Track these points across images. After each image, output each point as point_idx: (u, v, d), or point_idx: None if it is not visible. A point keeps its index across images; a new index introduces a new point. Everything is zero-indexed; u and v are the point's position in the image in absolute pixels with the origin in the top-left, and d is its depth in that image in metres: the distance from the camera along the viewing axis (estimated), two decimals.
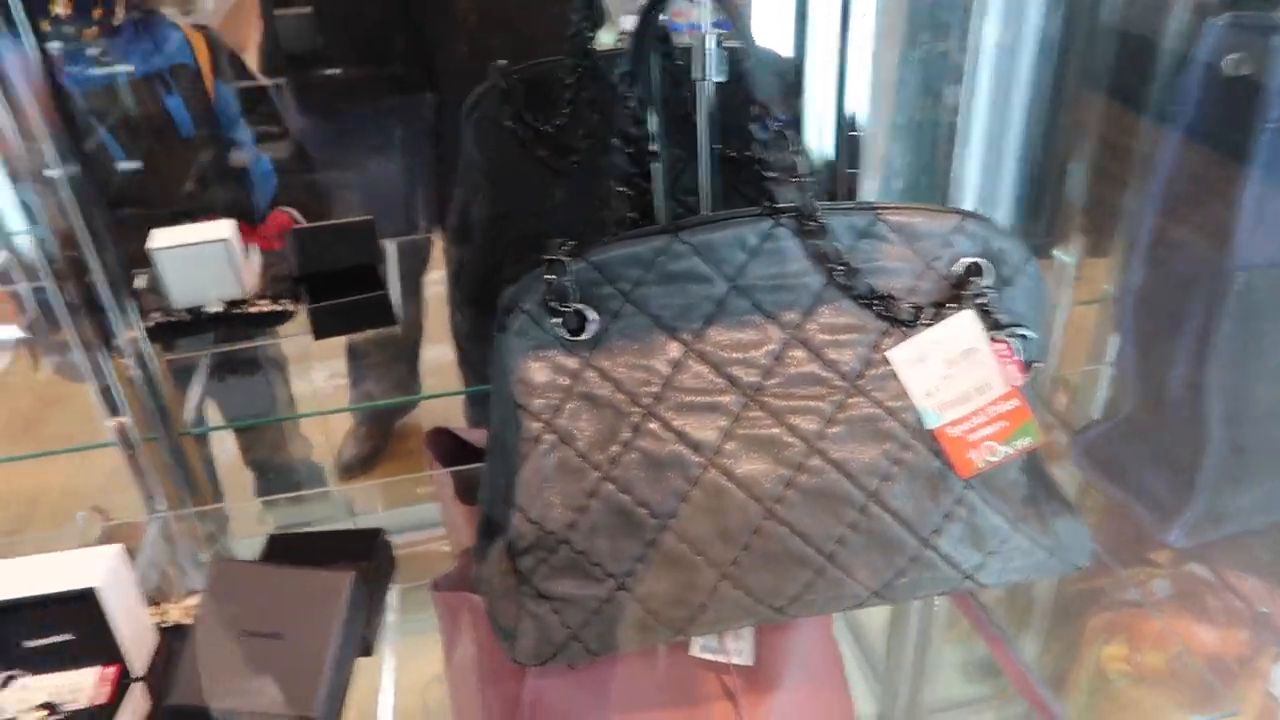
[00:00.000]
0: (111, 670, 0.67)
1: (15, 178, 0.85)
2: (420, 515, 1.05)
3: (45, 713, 0.63)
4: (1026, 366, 0.58)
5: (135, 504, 0.91)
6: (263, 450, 1.52)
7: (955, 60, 0.86)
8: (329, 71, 1.35)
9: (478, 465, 1.15)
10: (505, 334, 0.66)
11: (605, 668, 0.90)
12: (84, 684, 0.66)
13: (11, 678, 0.66)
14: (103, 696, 0.65)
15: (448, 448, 1.16)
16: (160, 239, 0.99)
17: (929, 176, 0.94)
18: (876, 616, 1.12)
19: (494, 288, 0.97)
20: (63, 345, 0.90)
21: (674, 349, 0.58)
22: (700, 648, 0.92)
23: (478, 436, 1.17)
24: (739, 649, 0.75)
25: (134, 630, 0.68)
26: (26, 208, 0.85)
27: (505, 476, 0.69)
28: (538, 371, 0.63)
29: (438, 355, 1.51)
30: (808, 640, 0.77)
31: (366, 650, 0.72)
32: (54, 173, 0.85)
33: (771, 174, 0.57)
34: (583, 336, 0.59)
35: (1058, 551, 0.62)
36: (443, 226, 1.30)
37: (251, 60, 1.35)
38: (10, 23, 0.79)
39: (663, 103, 0.68)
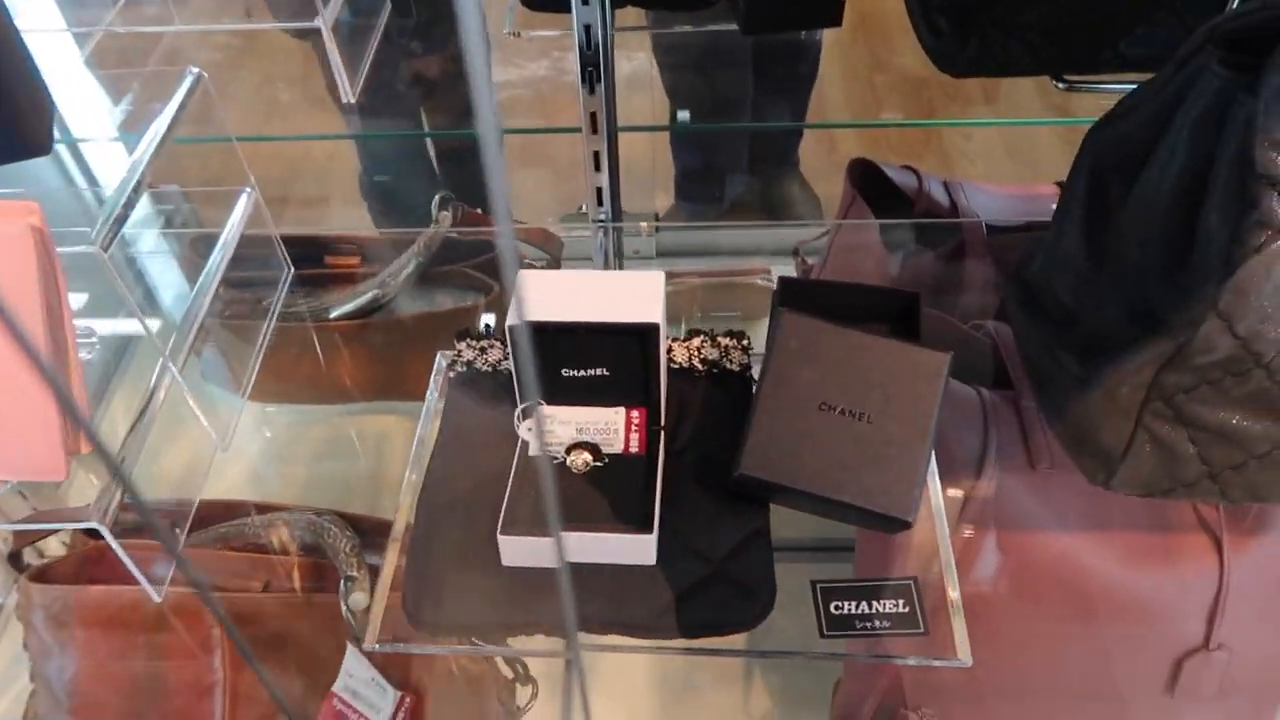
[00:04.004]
0: (639, 413, 0.57)
1: None
2: None
3: (589, 455, 0.55)
4: None
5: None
6: None
7: None
8: None
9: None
10: (1243, 71, 0.48)
11: (1074, 479, 0.78)
12: (615, 424, 0.57)
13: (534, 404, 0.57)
14: (635, 444, 0.56)
15: (864, 179, 1.00)
16: None
17: None
18: None
19: None
20: None
21: None
22: None
23: (902, 176, 1.01)
24: None
25: (660, 371, 0.58)
26: None
27: (1163, 269, 0.53)
28: None
29: None
30: None
31: None
32: None
33: None
34: None
35: None
36: None
37: None
38: None
39: None
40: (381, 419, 1.21)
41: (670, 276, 1.23)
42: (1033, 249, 0.66)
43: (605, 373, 0.56)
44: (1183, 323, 0.50)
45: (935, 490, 0.59)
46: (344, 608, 0.82)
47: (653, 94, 1.33)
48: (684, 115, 1.41)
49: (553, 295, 0.54)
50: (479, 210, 1.13)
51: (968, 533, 0.75)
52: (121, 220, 0.52)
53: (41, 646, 0.89)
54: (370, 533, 0.84)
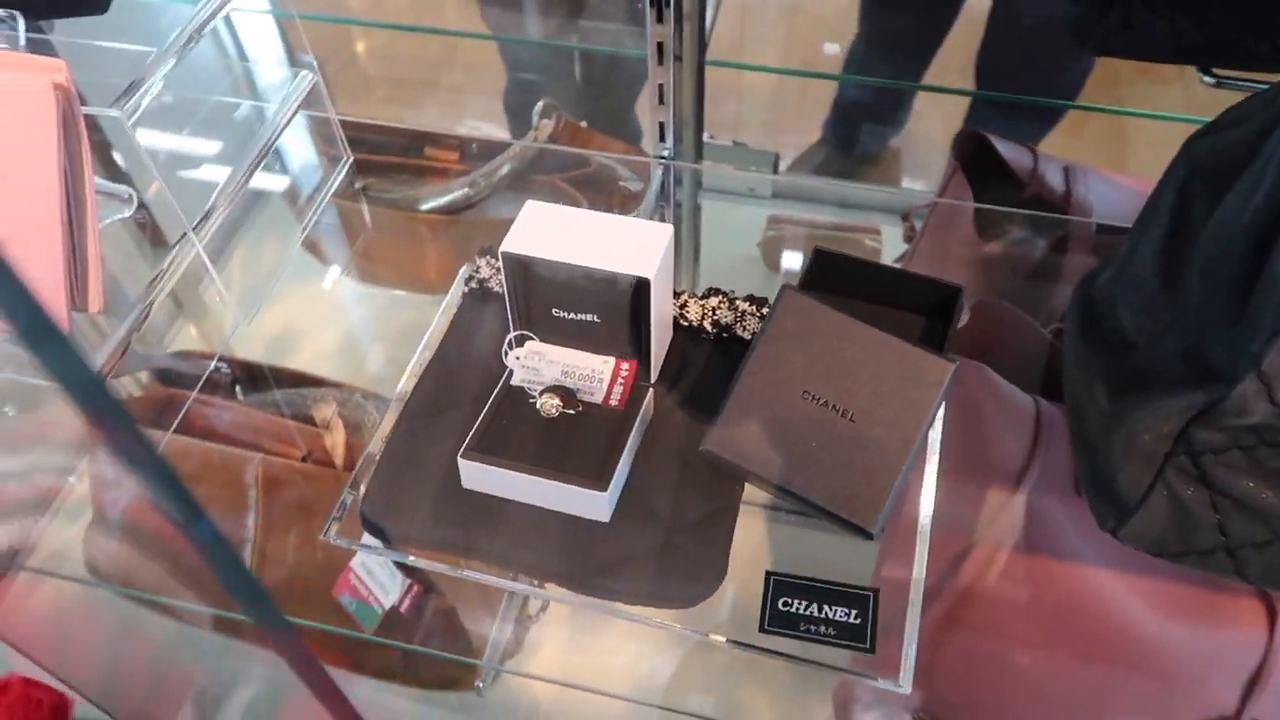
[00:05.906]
0: (629, 367, 0.56)
1: None
2: None
3: (559, 401, 0.54)
4: None
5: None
6: None
7: None
8: None
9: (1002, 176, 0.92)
10: None
11: None
12: (601, 373, 0.55)
13: (526, 337, 0.56)
14: (617, 397, 0.55)
15: (974, 154, 0.93)
16: None
17: None
18: None
19: None
20: None
21: None
22: None
23: (1016, 154, 0.92)
24: None
25: (661, 327, 0.56)
26: None
27: (1223, 310, 0.46)
28: None
29: None
30: None
31: None
32: None
33: None
34: None
35: None
36: None
37: None
38: None
39: None
40: None
41: (774, 221, 1.18)
42: (1106, 261, 0.59)
43: (596, 319, 0.54)
44: (1223, 376, 0.44)
45: (928, 500, 0.55)
46: None
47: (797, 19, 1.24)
48: (832, 49, 1.32)
49: (553, 231, 0.52)
50: (583, 123, 1.11)
51: (987, 547, 0.71)
52: (147, 87, 0.53)
53: (100, 479, 0.97)
54: None
